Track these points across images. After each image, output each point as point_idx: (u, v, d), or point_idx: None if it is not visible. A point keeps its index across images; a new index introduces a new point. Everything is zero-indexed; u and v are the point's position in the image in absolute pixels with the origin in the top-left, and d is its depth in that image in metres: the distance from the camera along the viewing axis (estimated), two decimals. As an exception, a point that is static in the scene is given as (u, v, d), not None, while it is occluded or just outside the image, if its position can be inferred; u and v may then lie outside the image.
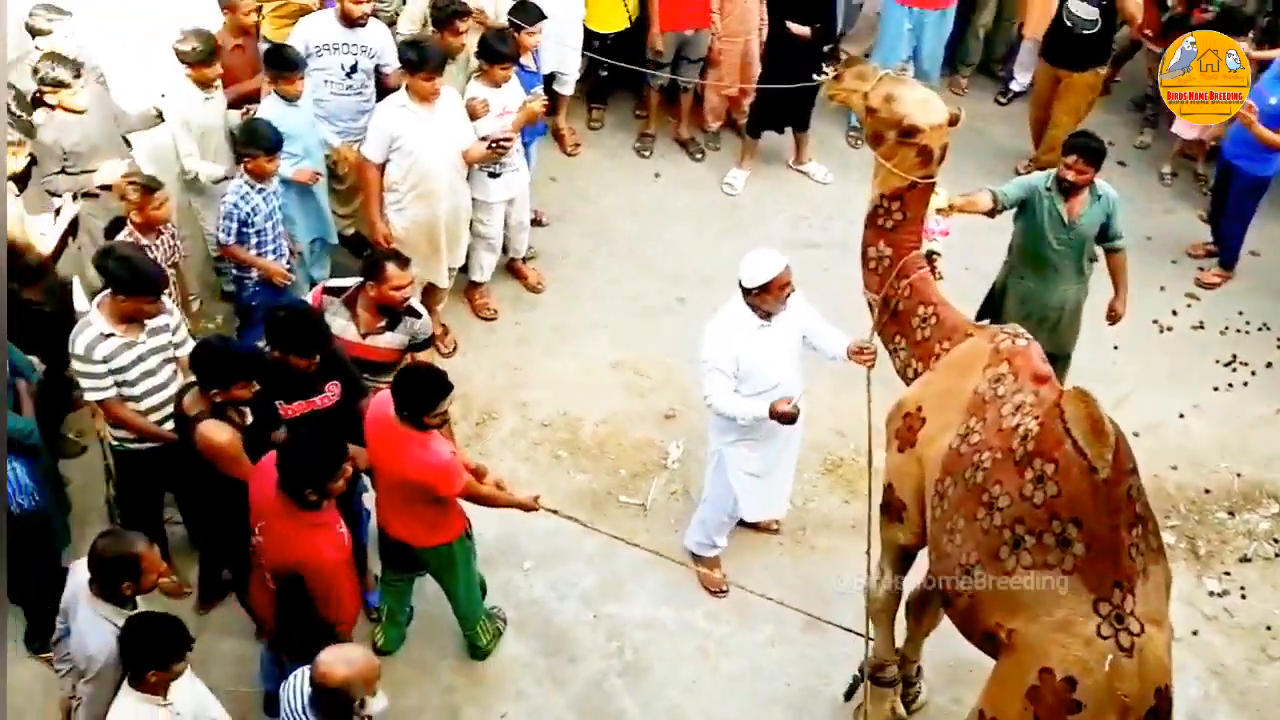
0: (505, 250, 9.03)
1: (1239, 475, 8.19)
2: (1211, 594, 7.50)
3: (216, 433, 5.97)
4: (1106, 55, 9.91)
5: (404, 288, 6.65)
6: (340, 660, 5.09)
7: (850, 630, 6.57)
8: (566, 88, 10.01)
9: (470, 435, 8.06)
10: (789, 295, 6.51)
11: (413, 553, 6.47)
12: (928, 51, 10.10)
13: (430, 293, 8.37)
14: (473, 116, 8.12)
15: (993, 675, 5.27)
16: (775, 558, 7.54)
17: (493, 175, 8.42)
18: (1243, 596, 7.51)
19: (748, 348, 6.54)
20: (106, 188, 7.58)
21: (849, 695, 6.71)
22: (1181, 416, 8.51)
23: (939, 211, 6.61)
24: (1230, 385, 8.78)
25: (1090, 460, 4.88)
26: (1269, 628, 7.36)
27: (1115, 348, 8.82)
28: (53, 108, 7.60)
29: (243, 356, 6.17)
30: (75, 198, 7.62)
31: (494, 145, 8.09)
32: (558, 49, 9.48)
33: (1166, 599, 5.15)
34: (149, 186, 7.08)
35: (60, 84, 7.48)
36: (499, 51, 8.08)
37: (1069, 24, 9.54)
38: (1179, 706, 5.48)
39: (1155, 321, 9.15)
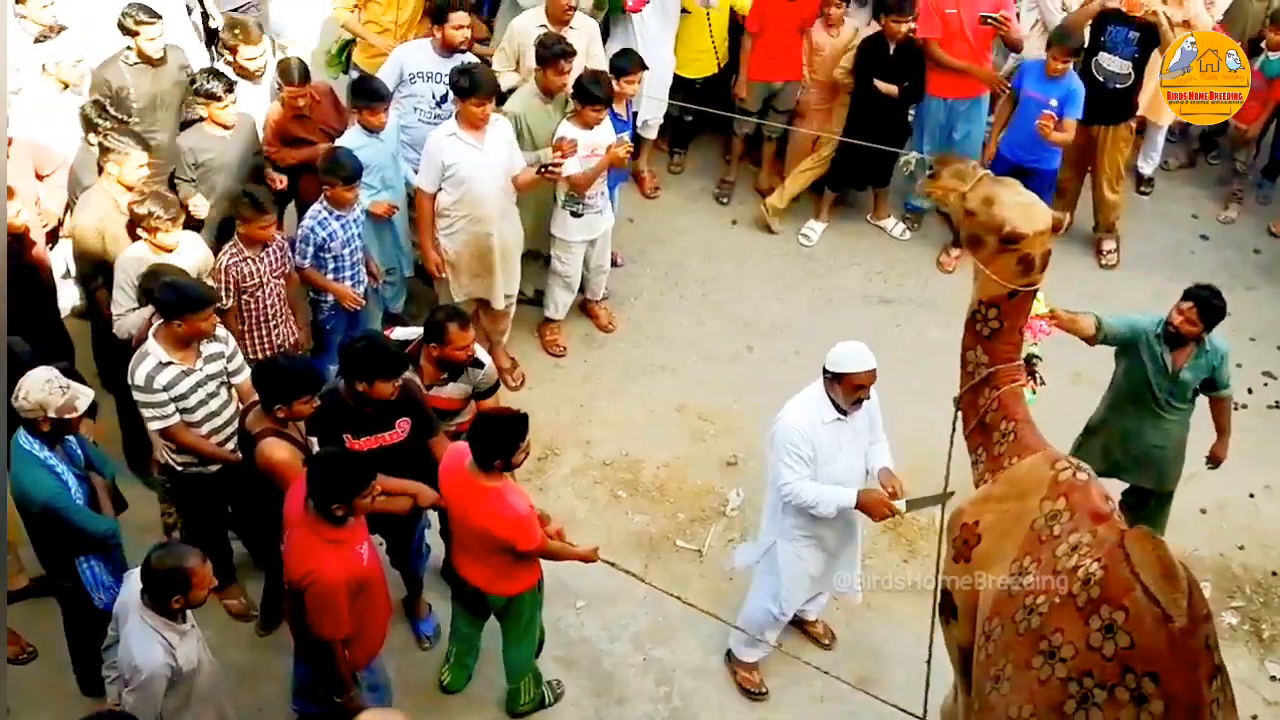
0: (582, 290, 9.11)
1: (1309, 559, 8.00)
2: (1273, 678, 7.34)
3: (276, 450, 6.05)
4: (1136, 107, 9.77)
5: (466, 348, 6.66)
6: None
7: (898, 707, 6.33)
8: (650, 132, 10.11)
9: (531, 470, 8.06)
10: (860, 399, 6.31)
11: (484, 598, 6.48)
12: (961, 138, 9.74)
13: (493, 320, 8.46)
14: (561, 156, 8.15)
15: None
16: (830, 613, 7.45)
17: (575, 215, 8.49)
18: (1306, 683, 7.35)
19: (819, 435, 6.36)
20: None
21: None
22: (1251, 496, 8.35)
23: (1038, 316, 6.35)
24: (1304, 467, 8.58)
25: (1164, 608, 4.50)
26: (1331, 717, 7.19)
27: (1187, 423, 8.69)
28: (203, 119, 7.85)
29: (304, 371, 6.26)
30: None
31: (543, 170, 8.08)
32: (644, 96, 9.54)
33: None
34: (260, 205, 7.22)
35: (213, 96, 7.71)
36: (592, 94, 8.14)
37: (1100, 78, 9.42)
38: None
39: (1230, 399, 8.99)
